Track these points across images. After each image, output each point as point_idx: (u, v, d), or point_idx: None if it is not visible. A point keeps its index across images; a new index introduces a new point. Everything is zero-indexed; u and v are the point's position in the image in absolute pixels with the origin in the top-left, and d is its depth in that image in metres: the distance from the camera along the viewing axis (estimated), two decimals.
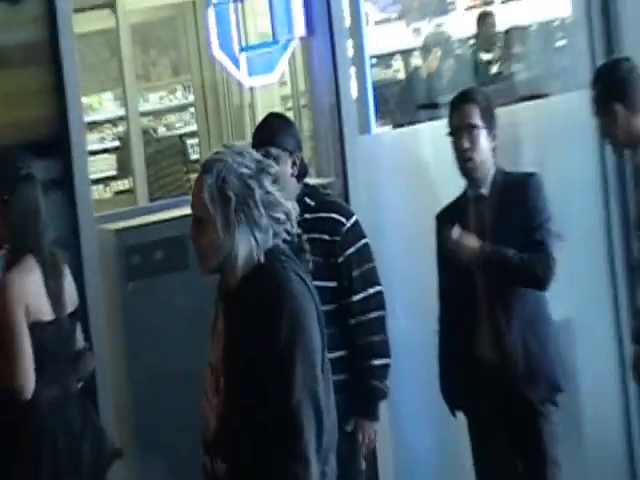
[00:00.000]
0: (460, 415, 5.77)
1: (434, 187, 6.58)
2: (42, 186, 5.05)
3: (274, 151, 5.09)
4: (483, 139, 5.46)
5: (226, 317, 3.90)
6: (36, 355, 4.85)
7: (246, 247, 3.89)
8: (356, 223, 5.39)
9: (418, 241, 6.30)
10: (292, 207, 3.95)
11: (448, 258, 5.59)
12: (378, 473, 6.32)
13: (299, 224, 4.71)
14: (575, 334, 6.72)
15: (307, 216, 5.05)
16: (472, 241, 5.39)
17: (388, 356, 5.43)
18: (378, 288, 5.42)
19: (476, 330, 5.59)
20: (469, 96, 5.70)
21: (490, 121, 5.52)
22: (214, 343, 3.96)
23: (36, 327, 4.84)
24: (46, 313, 4.91)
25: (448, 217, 5.65)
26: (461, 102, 5.65)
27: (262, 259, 3.84)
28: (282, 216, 3.93)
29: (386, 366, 5.44)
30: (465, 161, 5.50)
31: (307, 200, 5.33)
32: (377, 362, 5.40)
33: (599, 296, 6.94)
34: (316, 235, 5.14)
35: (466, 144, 5.46)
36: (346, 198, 6.23)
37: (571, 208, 6.75)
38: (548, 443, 5.54)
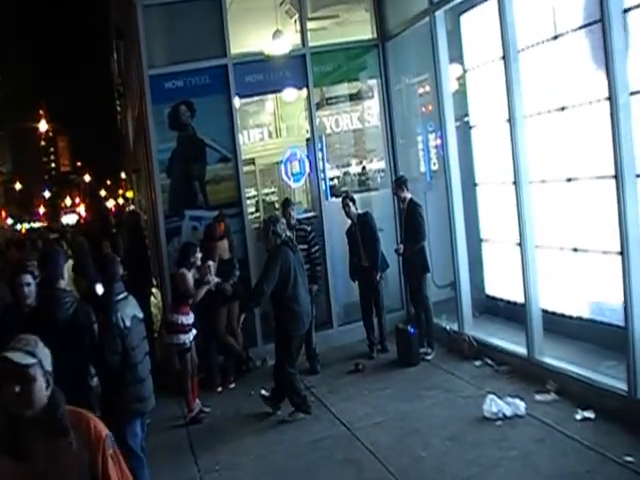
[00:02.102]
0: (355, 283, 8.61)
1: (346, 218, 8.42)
2: (233, 215, 8.46)
3: (289, 209, 8.06)
4: (352, 208, 8.19)
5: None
6: (219, 266, 7.67)
7: (273, 241, 6.61)
8: (312, 229, 8.19)
9: (342, 233, 8.69)
10: (286, 231, 6.66)
11: (349, 240, 8.34)
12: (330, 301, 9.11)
13: (297, 228, 7.87)
14: (389, 257, 8.51)
15: (299, 225, 8.09)
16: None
17: (321, 265, 8.23)
18: (318, 247, 8.22)
19: (359, 255, 8.32)
20: (345, 196, 8.45)
21: (353, 200, 8.24)
22: None
23: (221, 259, 7.88)
24: (225, 256, 8.05)
25: (349, 228, 8.38)
26: (343, 199, 8.36)
27: (278, 242, 6.52)
28: (283, 234, 6.59)
29: (321, 270, 8.18)
30: (347, 214, 8.20)
31: (298, 221, 8.19)
32: (318, 268, 8.15)
33: (391, 244, 8.66)
34: (302, 232, 8.07)
35: (346, 209, 8.20)
36: (321, 220, 9.09)
37: (385, 220, 9.16)
38: (379, 290, 8.33)
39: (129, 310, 4.94)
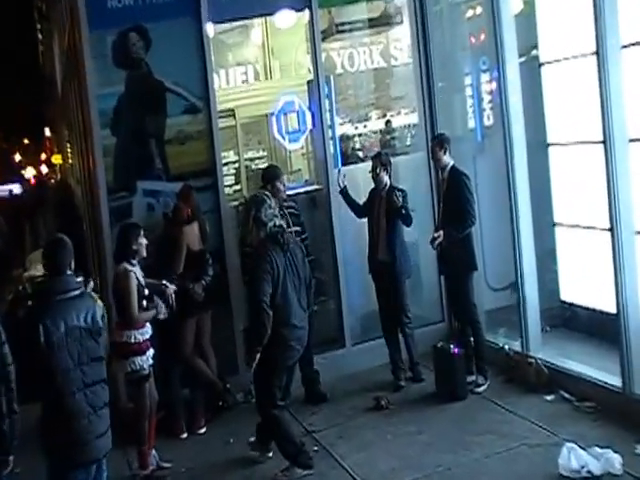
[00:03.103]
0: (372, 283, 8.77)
1: (361, 189, 8.96)
2: (203, 188, 8.60)
3: (278, 183, 8.07)
4: (383, 174, 8.46)
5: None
6: (187, 260, 7.85)
7: (255, 233, 6.66)
8: (300, 210, 8.49)
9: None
10: (276, 219, 6.63)
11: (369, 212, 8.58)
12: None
13: (286, 206, 8.02)
14: (418, 249, 9.23)
15: (287, 203, 8.22)
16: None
17: (311, 256, 8.01)
18: (307, 234, 8.35)
19: (377, 247, 8.54)
20: (376, 156, 8.67)
21: (387, 165, 8.49)
22: None
23: (190, 251, 7.93)
24: (195, 246, 8.03)
25: (369, 198, 8.61)
26: (373, 159, 8.63)
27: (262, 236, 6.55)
28: (269, 222, 6.56)
29: (313, 266, 7.87)
30: (375, 181, 8.53)
31: (287, 198, 8.31)
32: (311, 257, 8.00)
33: (427, 231, 8.74)
34: (293, 211, 8.25)
35: (374, 175, 8.48)
36: (329, 197, 9.16)
37: (419, 195, 9.40)
38: (403, 294, 8.54)
39: (62, 317, 4.92)
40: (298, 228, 8.18)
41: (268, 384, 6.70)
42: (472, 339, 8.38)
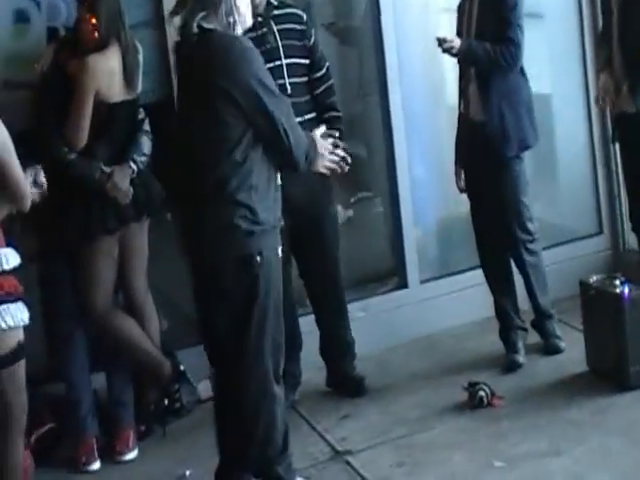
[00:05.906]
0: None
1: None
2: None
3: None
4: None
5: None
6: (98, 123, 6.63)
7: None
8: (310, 24, 7.46)
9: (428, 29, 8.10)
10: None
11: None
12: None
13: (272, 18, 7.01)
14: (551, 103, 8.48)
15: (276, 12, 7.12)
16: (455, 41, 7.23)
17: (340, 113, 7.40)
18: (328, 63, 7.43)
19: (468, 100, 7.50)
20: None
21: None
22: None
23: (104, 104, 6.62)
24: (114, 95, 6.70)
25: (460, 7, 7.60)
26: None
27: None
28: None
29: (340, 117, 7.40)
30: None
31: (272, 0, 7.17)
32: (338, 114, 7.32)
33: (571, 71, 8.42)
34: (290, 25, 7.12)
35: None
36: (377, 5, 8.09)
37: None
38: (516, 186, 7.44)
39: None
40: (305, 60, 7.05)
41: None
42: None
